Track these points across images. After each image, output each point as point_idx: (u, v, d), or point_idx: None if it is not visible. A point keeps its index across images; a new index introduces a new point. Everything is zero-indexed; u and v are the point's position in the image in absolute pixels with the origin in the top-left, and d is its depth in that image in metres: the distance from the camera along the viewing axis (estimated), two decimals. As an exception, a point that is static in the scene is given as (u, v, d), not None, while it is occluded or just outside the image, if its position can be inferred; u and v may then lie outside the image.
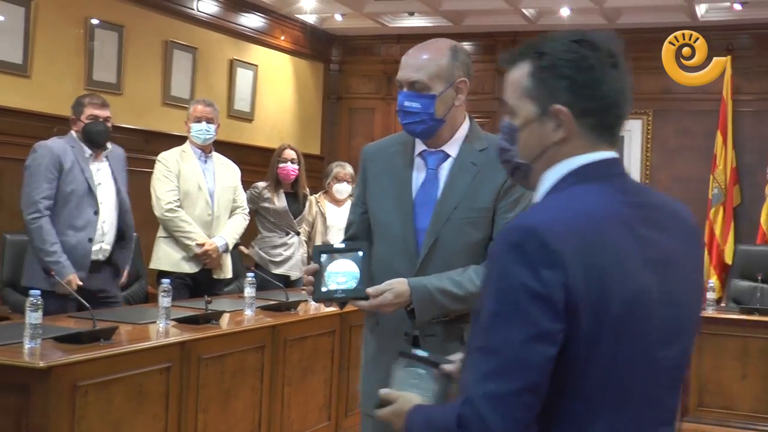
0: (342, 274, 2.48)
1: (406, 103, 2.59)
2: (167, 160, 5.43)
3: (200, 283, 5.37)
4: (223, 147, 6.05)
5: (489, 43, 9.10)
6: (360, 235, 2.78)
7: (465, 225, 2.60)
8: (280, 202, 6.20)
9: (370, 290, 2.46)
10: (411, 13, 8.80)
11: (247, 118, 8.52)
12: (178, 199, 5.37)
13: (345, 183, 6.65)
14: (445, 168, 2.67)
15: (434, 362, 1.91)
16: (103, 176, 4.86)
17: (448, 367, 1.89)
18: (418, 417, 1.71)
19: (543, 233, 1.51)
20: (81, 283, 4.57)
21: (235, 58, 8.30)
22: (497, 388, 1.49)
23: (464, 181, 2.62)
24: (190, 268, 5.37)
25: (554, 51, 1.64)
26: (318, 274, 2.49)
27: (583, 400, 1.55)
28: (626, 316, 1.54)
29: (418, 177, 2.68)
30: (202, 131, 5.44)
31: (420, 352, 1.95)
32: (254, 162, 7.18)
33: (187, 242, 5.32)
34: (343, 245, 2.53)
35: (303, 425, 5.09)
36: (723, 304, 6.77)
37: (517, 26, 8.71)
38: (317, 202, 6.66)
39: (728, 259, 7.80)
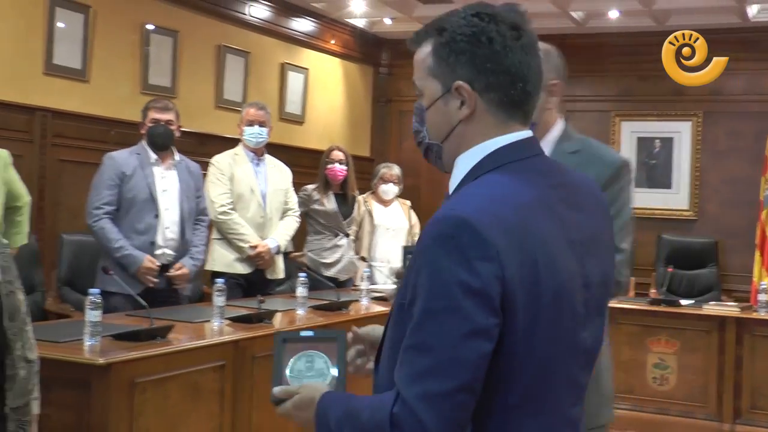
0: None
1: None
2: (220, 164, 5.48)
3: (253, 283, 5.41)
4: (274, 149, 6.07)
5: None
6: None
7: None
8: (330, 203, 6.21)
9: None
10: (460, 16, 8.76)
11: (298, 120, 8.55)
12: (231, 202, 5.41)
13: (391, 184, 6.66)
14: None
15: (327, 338, 1.84)
16: (169, 183, 4.90)
17: (350, 336, 1.86)
18: (336, 409, 1.60)
19: (475, 224, 1.44)
20: (157, 264, 4.70)
21: (286, 61, 8.34)
22: (432, 388, 1.42)
23: None
24: (243, 268, 5.41)
25: (453, 26, 1.57)
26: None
27: (517, 392, 1.49)
28: (556, 304, 1.50)
29: None
30: (254, 134, 5.48)
31: (306, 333, 1.86)
32: (305, 164, 7.20)
33: (241, 244, 5.36)
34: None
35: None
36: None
37: (566, 29, 8.62)
38: (365, 202, 6.67)
39: (780, 261, 7.66)
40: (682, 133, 8.54)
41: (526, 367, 1.49)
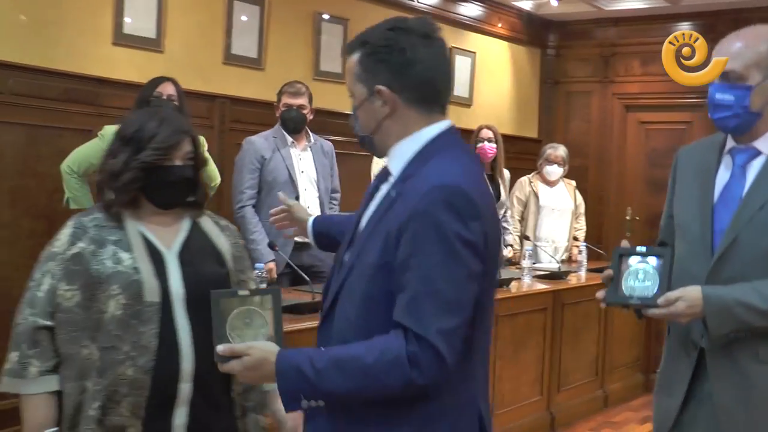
0: (640, 279, 2.22)
1: (718, 96, 2.32)
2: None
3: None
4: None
5: (710, 22, 8.57)
6: (667, 239, 2.52)
7: None
8: (484, 186, 6.12)
9: (660, 299, 2.17)
10: (627, -5, 8.47)
11: (465, 103, 8.49)
12: None
13: (555, 165, 6.52)
14: (755, 166, 2.33)
15: (262, 292, 1.93)
16: (306, 164, 5.01)
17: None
18: (314, 361, 1.74)
19: (466, 190, 1.75)
20: (274, 275, 4.76)
21: (453, 46, 8.28)
22: (445, 325, 1.70)
23: None
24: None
25: (373, 39, 1.86)
26: (615, 277, 2.26)
27: (475, 326, 1.80)
28: (494, 255, 1.83)
29: (724, 176, 2.37)
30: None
31: (242, 292, 1.93)
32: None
33: None
34: (644, 249, 2.26)
35: (514, 399, 5.03)
36: None
37: (738, 3, 8.14)
38: (530, 182, 6.56)
39: None
40: None
41: (481, 305, 1.80)
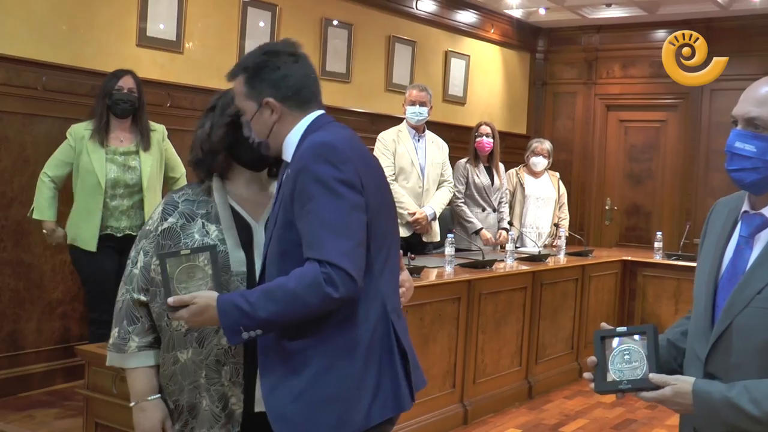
0: (626, 360, 1.92)
1: (737, 144, 1.84)
2: (385, 140, 5.58)
3: (412, 245, 5.46)
4: (439, 127, 6.08)
5: (684, 29, 8.58)
6: None
7: None
8: (482, 177, 6.18)
9: (652, 377, 1.84)
10: (608, 5, 8.48)
11: (460, 102, 8.54)
12: (394, 174, 5.50)
13: (541, 157, 6.57)
14: (762, 238, 1.85)
15: (202, 249, 2.04)
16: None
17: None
18: (247, 296, 1.93)
19: (333, 142, 1.98)
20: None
21: (449, 49, 8.34)
22: (343, 246, 1.89)
23: None
24: (402, 232, 5.48)
25: (252, 64, 2.08)
26: (600, 363, 1.93)
27: (372, 248, 1.99)
28: (374, 189, 2.03)
29: (734, 244, 1.91)
30: (415, 113, 5.54)
31: (184, 251, 2.05)
32: (466, 140, 7.19)
33: (401, 211, 5.43)
34: (624, 329, 1.96)
35: (496, 369, 5.10)
36: None
37: (711, 12, 8.17)
38: (517, 173, 6.61)
39: None
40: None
41: (371, 230, 1.99)
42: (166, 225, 2.17)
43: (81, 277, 4.74)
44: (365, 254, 1.95)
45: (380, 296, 2.03)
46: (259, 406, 2.12)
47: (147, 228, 2.22)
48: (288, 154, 2.09)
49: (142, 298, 2.18)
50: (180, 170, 4.85)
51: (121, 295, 2.21)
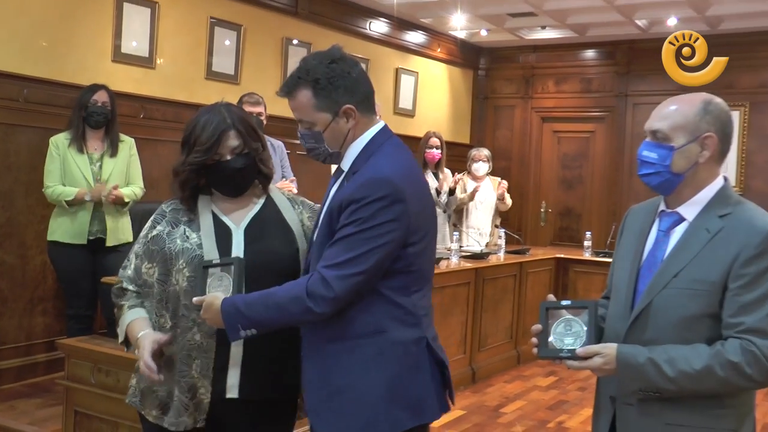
0: (567, 332, 1.97)
1: (644, 153, 2.00)
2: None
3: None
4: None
5: (609, 50, 8.85)
6: (609, 296, 2.22)
7: (683, 296, 1.92)
8: (430, 182, 6.26)
9: (579, 350, 1.92)
10: (543, 27, 8.65)
11: (409, 114, 8.64)
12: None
13: (481, 162, 6.64)
14: (677, 232, 2.00)
15: (228, 263, 2.06)
16: None
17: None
18: (244, 299, 1.95)
19: (393, 180, 1.88)
20: None
21: (400, 66, 8.43)
22: (346, 270, 1.87)
23: (692, 248, 1.95)
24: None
25: (322, 74, 1.94)
26: (543, 330, 1.99)
27: (409, 283, 1.97)
28: (424, 227, 1.97)
29: (653, 238, 2.06)
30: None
31: (216, 260, 2.08)
32: (415, 150, 7.27)
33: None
34: (569, 302, 2.02)
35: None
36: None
37: (633, 35, 8.40)
38: (461, 180, 6.70)
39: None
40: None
41: (415, 262, 1.97)
42: (155, 232, 2.19)
43: (57, 273, 4.73)
44: (368, 283, 1.90)
45: (416, 313, 1.99)
46: (231, 393, 2.12)
47: (141, 234, 2.24)
48: (346, 164, 2.00)
49: (131, 287, 2.20)
50: (137, 184, 4.74)
51: (116, 285, 2.24)
